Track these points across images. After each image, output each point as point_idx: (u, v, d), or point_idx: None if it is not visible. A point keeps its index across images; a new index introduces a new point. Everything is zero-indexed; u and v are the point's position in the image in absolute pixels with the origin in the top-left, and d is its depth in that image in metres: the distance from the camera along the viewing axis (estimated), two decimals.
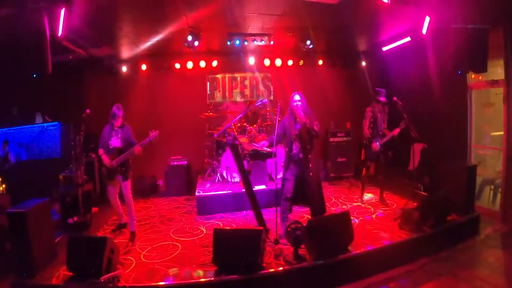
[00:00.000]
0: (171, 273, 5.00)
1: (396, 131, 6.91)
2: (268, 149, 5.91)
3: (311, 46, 8.35)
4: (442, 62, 7.14)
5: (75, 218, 6.93)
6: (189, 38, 7.67)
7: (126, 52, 9.48)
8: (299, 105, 5.75)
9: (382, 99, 7.09)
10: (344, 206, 7.45)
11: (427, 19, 6.61)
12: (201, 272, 4.96)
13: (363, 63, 10.60)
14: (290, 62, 10.13)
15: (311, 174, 5.76)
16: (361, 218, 6.69)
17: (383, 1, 5.89)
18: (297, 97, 5.81)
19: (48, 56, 4.53)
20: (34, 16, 4.48)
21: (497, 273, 5.01)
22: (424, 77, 8.25)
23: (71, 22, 5.91)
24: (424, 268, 5.17)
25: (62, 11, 5.36)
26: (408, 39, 8.35)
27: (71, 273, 4.94)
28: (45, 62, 4.52)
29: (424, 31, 6.72)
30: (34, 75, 4.69)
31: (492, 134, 7.56)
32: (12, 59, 4.57)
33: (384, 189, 7.57)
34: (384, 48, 9.58)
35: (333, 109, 10.25)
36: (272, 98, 10.42)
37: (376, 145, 7.03)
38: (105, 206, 7.86)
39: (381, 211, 6.98)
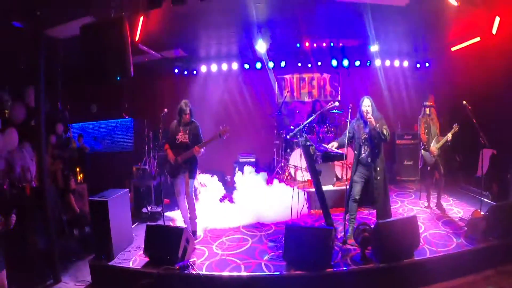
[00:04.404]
0: None
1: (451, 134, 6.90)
2: (338, 151, 6.05)
3: (376, 48, 8.39)
4: None
5: (149, 208, 7.53)
6: (259, 41, 7.93)
7: (197, 54, 9.99)
8: (368, 110, 5.84)
9: (427, 102, 7.16)
10: (411, 213, 7.16)
11: (497, 19, 6.48)
12: (271, 266, 5.26)
13: (430, 64, 10.36)
14: (357, 63, 10.13)
15: (378, 178, 5.88)
16: (427, 223, 6.61)
17: (452, 4, 5.90)
18: (366, 101, 5.89)
19: (130, 60, 4.79)
20: (117, 24, 4.77)
21: None
22: (494, 80, 7.91)
23: (148, 27, 6.42)
24: (487, 281, 5.05)
25: (141, 19, 5.88)
26: (477, 39, 8.09)
27: (147, 258, 5.39)
28: (128, 66, 4.79)
29: (494, 31, 6.58)
30: (118, 78, 5.01)
31: None
32: (97, 63, 4.91)
33: (442, 194, 7.40)
34: (453, 49, 9.29)
35: (400, 111, 10.18)
36: (339, 98, 10.51)
37: (434, 149, 7.02)
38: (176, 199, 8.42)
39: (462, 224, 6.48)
